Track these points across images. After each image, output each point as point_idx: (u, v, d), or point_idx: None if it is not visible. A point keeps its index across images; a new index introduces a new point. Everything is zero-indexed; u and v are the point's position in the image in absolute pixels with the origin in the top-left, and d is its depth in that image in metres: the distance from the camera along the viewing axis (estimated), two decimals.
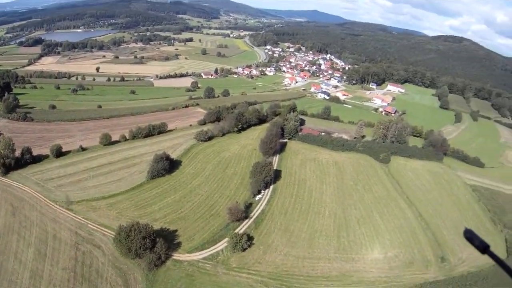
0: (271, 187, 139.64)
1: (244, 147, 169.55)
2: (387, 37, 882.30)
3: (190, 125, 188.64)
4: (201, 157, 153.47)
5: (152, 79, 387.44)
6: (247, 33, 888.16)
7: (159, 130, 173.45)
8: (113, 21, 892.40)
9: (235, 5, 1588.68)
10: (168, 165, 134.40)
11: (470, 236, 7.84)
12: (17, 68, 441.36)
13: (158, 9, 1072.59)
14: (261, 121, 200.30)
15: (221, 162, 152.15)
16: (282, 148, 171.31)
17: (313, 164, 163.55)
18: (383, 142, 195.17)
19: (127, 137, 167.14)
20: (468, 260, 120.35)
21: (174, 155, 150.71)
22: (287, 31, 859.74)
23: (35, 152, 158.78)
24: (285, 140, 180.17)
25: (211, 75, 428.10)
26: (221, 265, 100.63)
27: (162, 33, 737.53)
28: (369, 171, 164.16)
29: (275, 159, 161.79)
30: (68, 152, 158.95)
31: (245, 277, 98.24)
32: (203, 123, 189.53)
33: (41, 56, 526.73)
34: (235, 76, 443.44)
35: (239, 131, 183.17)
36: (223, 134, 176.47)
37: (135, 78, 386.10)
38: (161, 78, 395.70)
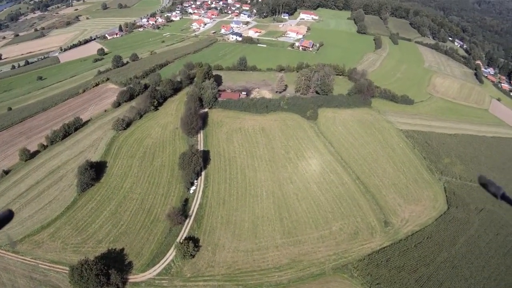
0: (203, 173, 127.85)
1: (165, 127, 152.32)
2: None
3: (105, 111, 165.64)
4: (125, 151, 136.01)
5: (57, 54, 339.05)
6: None
7: (75, 127, 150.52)
8: None
9: None
10: (94, 173, 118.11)
11: (485, 183, 7.61)
12: None
13: None
14: (177, 90, 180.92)
15: (146, 153, 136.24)
16: (204, 120, 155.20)
17: (239, 135, 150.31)
18: (305, 94, 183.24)
19: (45, 144, 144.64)
20: (411, 219, 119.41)
21: (96, 156, 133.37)
22: None
23: None
24: (206, 110, 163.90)
25: (116, 34, 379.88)
26: (177, 278, 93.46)
27: None
28: (298, 134, 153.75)
29: (200, 137, 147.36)
30: None
31: (202, 285, 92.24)
32: (117, 105, 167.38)
33: None
34: (140, 29, 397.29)
35: (156, 108, 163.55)
36: (141, 116, 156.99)
37: (40, 58, 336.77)
38: (65, 50, 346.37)
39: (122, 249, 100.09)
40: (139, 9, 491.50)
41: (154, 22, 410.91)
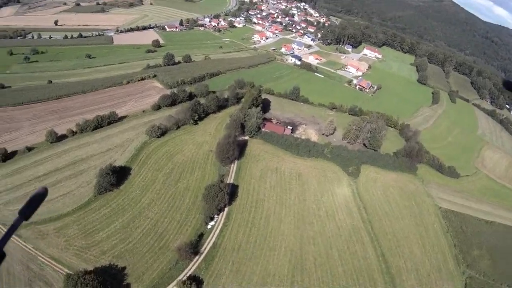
0: (226, 209, 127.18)
1: (199, 146, 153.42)
2: None
3: (143, 111, 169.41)
4: (153, 162, 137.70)
5: (112, 34, 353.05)
6: None
7: (108, 121, 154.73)
8: None
9: None
10: (115, 179, 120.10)
11: None
12: None
13: None
14: (221, 107, 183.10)
15: (174, 170, 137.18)
16: (241, 150, 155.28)
17: (274, 176, 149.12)
18: (352, 144, 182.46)
19: (75, 130, 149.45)
20: None
21: (123, 159, 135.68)
22: None
23: None
24: (246, 138, 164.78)
25: (176, 27, 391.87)
26: None
27: None
28: (335, 190, 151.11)
29: (233, 168, 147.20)
30: (14, 154, 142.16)
31: None
32: (157, 107, 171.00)
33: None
34: (201, 28, 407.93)
35: (195, 122, 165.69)
36: (178, 127, 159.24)
37: (94, 33, 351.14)
38: (121, 32, 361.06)
39: (124, 268, 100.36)
40: (204, 7, 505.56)
41: (216, 24, 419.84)
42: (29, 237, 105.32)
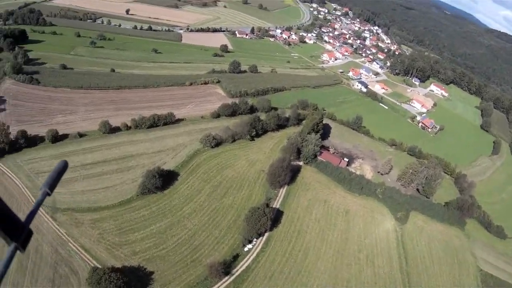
0: (267, 234, 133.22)
1: (252, 164, 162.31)
2: (439, 17, 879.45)
3: (202, 117, 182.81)
4: (202, 172, 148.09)
5: (182, 31, 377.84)
6: None
7: (165, 121, 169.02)
8: None
9: None
10: (161, 182, 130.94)
11: None
12: (45, 1, 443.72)
13: None
14: (280, 126, 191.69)
15: (221, 184, 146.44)
16: (293, 175, 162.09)
17: (321, 208, 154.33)
18: (405, 187, 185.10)
19: (130, 125, 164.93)
20: None
21: (172, 163, 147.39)
22: None
23: (32, 130, 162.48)
24: (300, 164, 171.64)
25: (246, 34, 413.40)
26: None
27: None
28: (380, 234, 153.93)
29: (281, 193, 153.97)
30: (65, 137, 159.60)
31: None
32: (216, 116, 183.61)
33: None
34: (271, 39, 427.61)
35: (252, 138, 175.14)
36: (233, 140, 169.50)
37: (164, 28, 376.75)
38: (191, 31, 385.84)
39: (152, 273, 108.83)
40: (277, 17, 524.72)
41: (287, 37, 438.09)
42: (64, 222, 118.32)
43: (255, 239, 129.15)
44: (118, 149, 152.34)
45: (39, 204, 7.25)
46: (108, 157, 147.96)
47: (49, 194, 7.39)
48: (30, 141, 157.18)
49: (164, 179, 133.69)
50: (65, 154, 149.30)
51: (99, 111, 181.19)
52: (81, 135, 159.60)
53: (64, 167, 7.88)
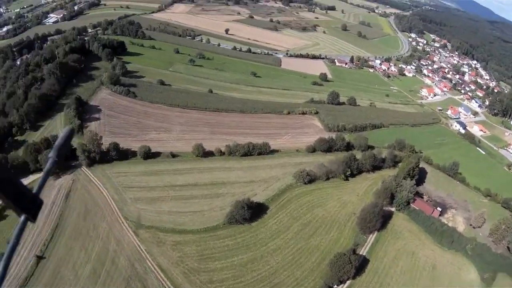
0: (348, 282, 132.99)
1: (343, 206, 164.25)
2: None
3: (297, 150, 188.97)
4: (292, 209, 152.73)
5: (281, 56, 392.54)
6: (393, 10, 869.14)
7: (259, 151, 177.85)
8: None
9: None
10: (249, 214, 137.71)
11: None
12: (145, 14, 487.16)
13: None
14: (376, 167, 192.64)
15: (310, 223, 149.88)
16: (384, 221, 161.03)
17: (408, 261, 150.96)
18: (497, 244, 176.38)
19: (223, 151, 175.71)
20: None
21: (263, 195, 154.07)
22: (435, 18, 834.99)
23: (125, 144, 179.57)
24: (392, 209, 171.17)
25: (346, 63, 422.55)
26: None
27: None
28: None
29: (370, 239, 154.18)
30: (157, 155, 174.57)
31: None
32: (312, 150, 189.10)
33: (173, 2, 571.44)
34: (370, 70, 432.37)
35: (346, 178, 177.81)
36: (327, 178, 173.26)
37: (264, 51, 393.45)
38: (290, 56, 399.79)
39: None
40: (376, 46, 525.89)
41: (386, 69, 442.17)
42: (145, 239, 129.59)
43: (335, 286, 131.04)
44: (210, 174, 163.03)
45: (48, 173, 8.17)
46: (199, 181, 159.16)
47: (57, 162, 8.29)
48: (122, 154, 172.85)
49: (253, 211, 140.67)
50: (156, 173, 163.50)
51: (194, 132, 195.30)
52: (173, 155, 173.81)
53: (71, 134, 8.62)
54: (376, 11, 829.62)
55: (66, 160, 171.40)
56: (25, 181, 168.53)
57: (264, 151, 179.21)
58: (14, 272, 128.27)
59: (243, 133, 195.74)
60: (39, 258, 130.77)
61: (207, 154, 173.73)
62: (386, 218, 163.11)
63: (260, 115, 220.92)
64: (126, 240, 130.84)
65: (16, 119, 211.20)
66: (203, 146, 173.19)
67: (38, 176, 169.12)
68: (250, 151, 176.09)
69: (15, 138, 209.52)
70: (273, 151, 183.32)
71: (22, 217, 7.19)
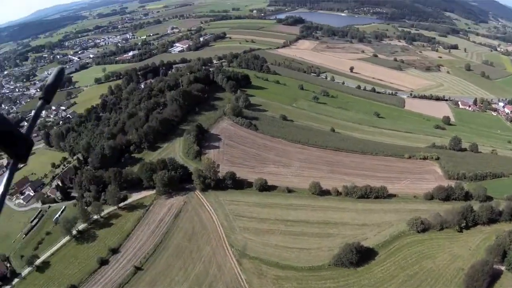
0: None
1: (453, 259, 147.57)
2: None
3: (414, 196, 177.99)
4: (400, 258, 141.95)
5: (405, 97, 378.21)
6: None
7: (376, 195, 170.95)
8: (378, 9, 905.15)
9: (506, 10, 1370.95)
10: (356, 258, 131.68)
11: None
12: (270, 49, 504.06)
13: (425, 2, 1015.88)
14: (492, 220, 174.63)
15: (417, 275, 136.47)
16: (493, 279, 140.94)
17: None
18: None
19: (340, 191, 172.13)
20: None
21: (374, 240, 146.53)
22: None
23: (241, 174, 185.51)
24: (502, 268, 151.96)
25: (469, 106, 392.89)
26: None
27: (426, 32, 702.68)
28: None
29: None
30: (273, 188, 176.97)
31: None
32: (429, 197, 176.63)
33: (298, 38, 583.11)
34: (493, 113, 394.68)
35: (461, 229, 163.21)
36: (441, 228, 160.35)
37: (387, 91, 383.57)
38: (415, 97, 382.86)
39: None
40: (499, 87, 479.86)
41: (509, 112, 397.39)
42: (247, 269, 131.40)
43: None
44: (323, 213, 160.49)
45: (38, 113, 8.21)
46: (311, 218, 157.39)
47: (48, 102, 8.31)
48: (237, 184, 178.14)
49: (361, 255, 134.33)
50: (269, 205, 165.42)
51: (313, 169, 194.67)
52: (289, 190, 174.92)
53: (61, 73, 8.54)
54: (498, 49, 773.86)
55: (181, 183, 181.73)
56: (138, 195, 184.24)
57: (381, 195, 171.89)
58: (110, 276, 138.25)
59: (362, 174, 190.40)
60: (137, 269, 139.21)
61: (324, 192, 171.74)
62: (494, 277, 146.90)
63: (381, 157, 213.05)
64: (228, 267, 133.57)
65: (135, 138, 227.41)
66: (320, 184, 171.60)
67: (150, 192, 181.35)
68: (367, 194, 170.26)
69: (132, 155, 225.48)
70: (390, 196, 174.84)
71: (14, 159, 7.17)
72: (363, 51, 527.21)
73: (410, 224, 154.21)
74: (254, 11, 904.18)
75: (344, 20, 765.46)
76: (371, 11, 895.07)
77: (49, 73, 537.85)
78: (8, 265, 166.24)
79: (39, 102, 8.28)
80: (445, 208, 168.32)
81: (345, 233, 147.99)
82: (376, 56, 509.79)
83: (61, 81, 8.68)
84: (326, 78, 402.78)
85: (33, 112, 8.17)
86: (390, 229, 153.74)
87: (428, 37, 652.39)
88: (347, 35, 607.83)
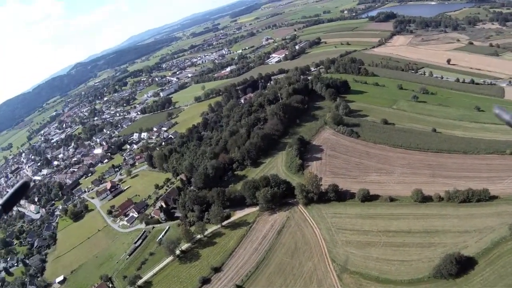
0: None
1: None
2: None
3: None
4: (500, 265, 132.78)
5: (504, 84, 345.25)
6: None
7: (478, 198, 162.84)
8: None
9: None
10: (456, 269, 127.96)
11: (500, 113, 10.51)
12: (366, 49, 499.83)
13: None
14: None
15: None
16: None
17: None
18: None
19: (442, 196, 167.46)
20: None
21: (474, 248, 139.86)
22: None
23: (344, 185, 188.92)
24: None
25: None
26: None
27: None
28: None
29: None
30: (375, 198, 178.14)
31: None
32: None
33: (392, 35, 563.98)
34: None
35: None
36: None
37: (487, 81, 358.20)
38: None
39: None
40: None
41: None
42: (347, 284, 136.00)
43: None
44: (425, 221, 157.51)
45: None
46: (413, 228, 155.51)
47: (5, 213, 8.46)
48: (340, 195, 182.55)
49: (461, 265, 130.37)
50: (371, 216, 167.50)
51: (415, 175, 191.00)
52: (392, 199, 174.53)
53: (25, 186, 8.68)
54: None
55: (284, 198, 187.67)
56: (241, 213, 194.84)
57: (483, 197, 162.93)
58: None
59: (464, 176, 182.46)
60: (238, 287, 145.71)
61: (426, 199, 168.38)
62: None
63: (483, 156, 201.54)
64: (328, 282, 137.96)
65: (238, 156, 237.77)
66: (423, 190, 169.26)
67: (253, 209, 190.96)
68: (469, 198, 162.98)
69: (235, 172, 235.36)
70: (492, 197, 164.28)
71: None
72: (458, 40, 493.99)
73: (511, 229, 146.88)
74: (345, 12, 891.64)
75: (435, 9, 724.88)
76: None
77: (149, 96, 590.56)
78: (110, 285, 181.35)
79: None
80: None
81: (446, 242, 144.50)
82: (471, 43, 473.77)
83: (23, 195, 8.98)
84: (424, 74, 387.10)
85: None
86: (491, 235, 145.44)
87: None
88: (440, 24, 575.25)
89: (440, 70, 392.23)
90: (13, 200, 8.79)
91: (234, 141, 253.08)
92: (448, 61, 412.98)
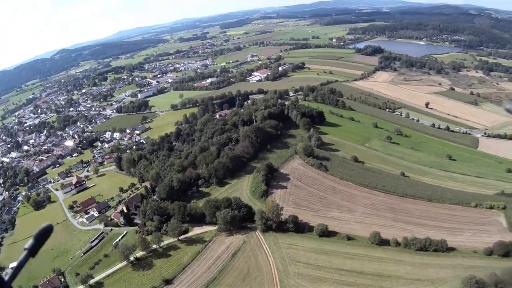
0: None
1: None
2: None
3: (474, 251, 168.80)
4: None
5: (479, 136, 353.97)
6: None
7: (435, 248, 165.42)
8: (456, 37, 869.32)
9: None
10: None
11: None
12: (347, 81, 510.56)
13: (503, 27, 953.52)
14: None
15: None
16: None
17: None
18: None
19: (399, 242, 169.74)
20: None
21: None
22: None
23: (304, 217, 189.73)
24: None
25: None
26: None
27: (504, 61, 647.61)
28: None
29: None
30: (333, 234, 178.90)
31: None
32: (489, 253, 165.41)
33: (376, 70, 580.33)
34: None
35: None
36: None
37: (462, 130, 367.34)
38: (489, 136, 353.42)
39: None
40: None
41: None
42: None
43: None
44: (378, 265, 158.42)
45: (21, 265, 8.49)
46: (365, 269, 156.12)
47: (32, 256, 8.60)
48: (298, 227, 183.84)
49: None
50: (326, 252, 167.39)
51: (376, 216, 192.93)
52: (349, 237, 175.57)
53: (48, 230, 8.88)
54: None
55: (243, 221, 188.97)
56: (199, 230, 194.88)
57: (440, 248, 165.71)
58: None
59: (425, 224, 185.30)
60: None
61: (383, 242, 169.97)
62: None
63: (447, 205, 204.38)
64: None
65: (205, 173, 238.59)
66: (381, 234, 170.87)
67: (212, 228, 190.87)
68: (426, 247, 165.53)
69: (200, 188, 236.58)
70: (449, 249, 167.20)
71: None
72: (440, 84, 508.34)
73: (464, 283, 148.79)
74: (334, 40, 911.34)
75: (423, 49, 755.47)
76: (449, 38, 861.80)
77: (127, 96, 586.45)
78: (62, 279, 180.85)
79: (24, 254, 8.91)
80: (502, 267, 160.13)
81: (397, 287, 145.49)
82: (452, 89, 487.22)
83: (47, 238, 9.13)
84: (401, 115, 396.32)
85: (16, 263, 8.92)
86: (443, 286, 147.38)
87: (505, 67, 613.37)
88: (425, 66, 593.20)
89: (417, 113, 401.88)
90: (39, 243, 9.10)
91: (204, 157, 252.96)
92: (427, 104, 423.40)
